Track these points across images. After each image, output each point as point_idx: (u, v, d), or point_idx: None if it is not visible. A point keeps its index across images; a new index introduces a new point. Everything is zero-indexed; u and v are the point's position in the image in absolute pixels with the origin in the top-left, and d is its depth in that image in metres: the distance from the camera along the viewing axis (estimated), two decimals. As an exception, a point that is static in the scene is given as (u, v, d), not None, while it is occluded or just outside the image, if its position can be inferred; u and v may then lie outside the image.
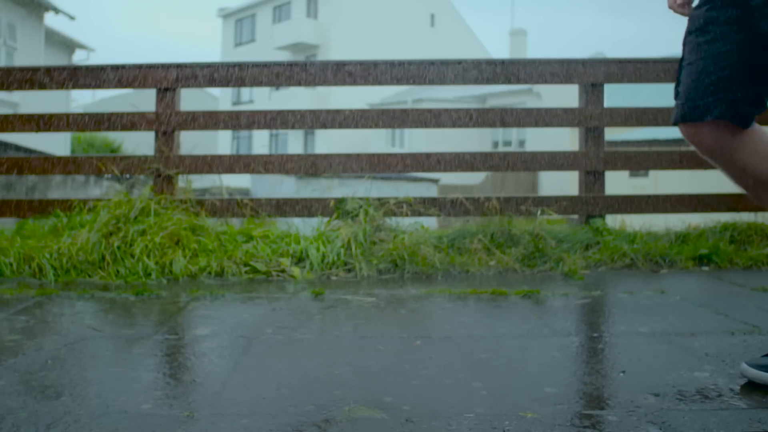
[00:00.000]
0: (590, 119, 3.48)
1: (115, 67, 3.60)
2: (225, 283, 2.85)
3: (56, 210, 3.48)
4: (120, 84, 3.61)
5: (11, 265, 3.04)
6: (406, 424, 1.31)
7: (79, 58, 17.73)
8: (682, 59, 1.60)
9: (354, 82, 3.49)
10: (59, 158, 3.66)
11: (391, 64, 3.46)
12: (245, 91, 29.53)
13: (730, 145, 1.55)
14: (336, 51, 26.58)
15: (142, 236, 3.08)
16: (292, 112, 3.49)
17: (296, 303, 2.44)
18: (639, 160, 3.52)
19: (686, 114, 1.56)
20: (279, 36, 28.51)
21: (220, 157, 3.58)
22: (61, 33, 16.26)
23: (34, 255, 3.07)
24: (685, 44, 1.59)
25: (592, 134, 3.50)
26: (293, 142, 27.86)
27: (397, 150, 24.57)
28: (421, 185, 15.16)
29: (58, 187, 7.20)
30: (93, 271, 2.97)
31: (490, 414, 1.36)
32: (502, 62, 3.46)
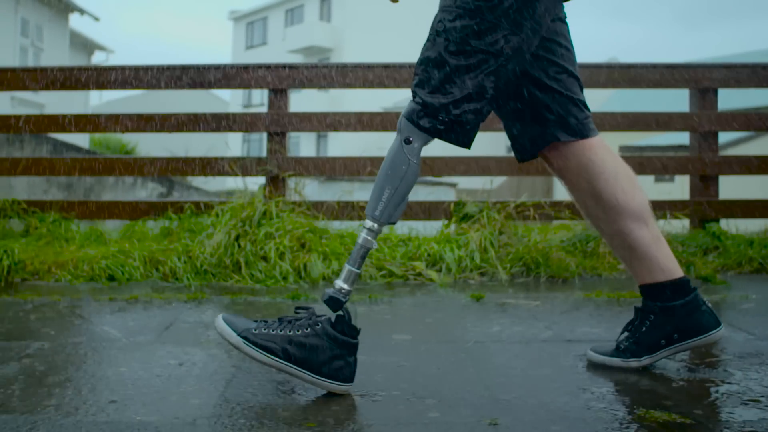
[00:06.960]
0: (705, 123, 3.47)
1: (221, 67, 3.59)
2: (365, 286, 2.83)
3: (168, 212, 3.46)
4: (224, 84, 3.59)
5: (139, 268, 3.02)
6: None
7: (98, 59, 17.70)
8: None
9: None
10: (191, 159, 3.65)
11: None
12: (256, 94, 29.49)
13: None
14: (349, 54, 26.57)
15: (270, 239, 3.06)
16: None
17: (465, 307, 2.42)
18: (755, 163, 3.53)
19: None
20: (292, 39, 28.50)
21: (335, 159, 3.57)
22: (81, 34, 16.23)
23: (161, 258, 3.05)
24: None
25: (705, 139, 3.50)
26: (305, 145, 27.83)
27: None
28: (439, 189, 15.12)
29: (112, 189, 7.18)
30: (226, 275, 2.95)
31: (764, 419, 1.35)
32: (628, 66, 3.48)
